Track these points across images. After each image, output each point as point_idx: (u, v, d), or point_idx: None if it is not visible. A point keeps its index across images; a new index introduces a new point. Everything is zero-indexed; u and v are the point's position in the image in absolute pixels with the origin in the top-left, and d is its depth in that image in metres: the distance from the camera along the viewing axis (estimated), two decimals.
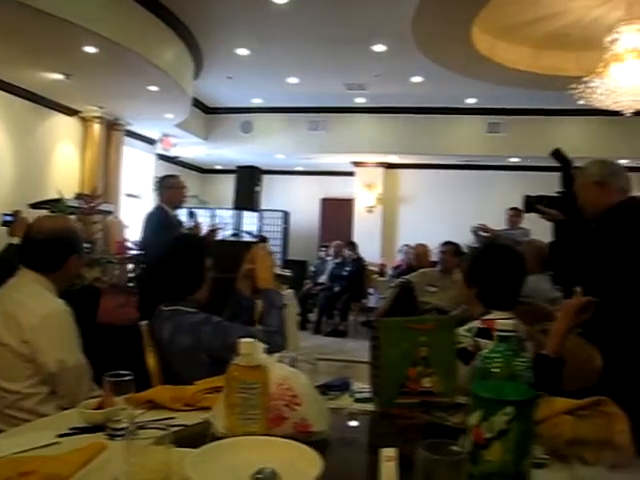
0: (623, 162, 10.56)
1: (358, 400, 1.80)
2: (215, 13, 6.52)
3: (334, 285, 9.22)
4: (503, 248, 2.24)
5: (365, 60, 7.89)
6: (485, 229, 6.16)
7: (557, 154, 2.69)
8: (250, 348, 1.22)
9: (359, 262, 9.33)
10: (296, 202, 12.84)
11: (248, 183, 7.77)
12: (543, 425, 1.39)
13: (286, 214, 12.77)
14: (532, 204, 2.73)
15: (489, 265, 2.17)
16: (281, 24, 6.72)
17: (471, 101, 9.77)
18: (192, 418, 1.53)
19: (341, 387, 1.92)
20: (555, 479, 1.27)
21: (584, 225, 2.51)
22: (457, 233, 9.40)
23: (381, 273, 9.80)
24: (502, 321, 1.08)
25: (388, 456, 1.12)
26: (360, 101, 10.08)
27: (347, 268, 9.24)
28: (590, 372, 2.00)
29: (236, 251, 2.36)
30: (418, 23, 6.24)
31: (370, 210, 11.52)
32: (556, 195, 2.71)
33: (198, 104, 10.16)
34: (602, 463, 1.33)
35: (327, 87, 9.26)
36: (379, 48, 7.39)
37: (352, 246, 9.60)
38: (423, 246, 7.10)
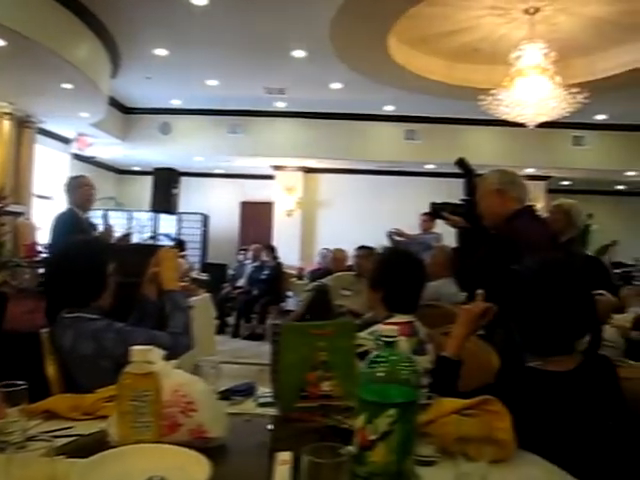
0: (529, 171, 11.16)
1: (261, 404, 1.81)
2: (132, 11, 6.37)
3: (252, 288, 9.19)
4: (405, 254, 2.31)
5: (285, 65, 7.93)
6: (399, 234, 6.33)
7: (461, 163, 2.80)
8: (142, 355, 1.21)
9: (277, 265, 9.34)
10: (216, 205, 12.73)
11: (166, 185, 7.63)
12: (433, 425, 1.45)
13: (205, 217, 12.62)
14: (437, 211, 2.83)
15: (392, 270, 2.22)
16: (200, 26, 6.65)
17: (389, 108, 10.00)
18: (90, 427, 1.50)
19: (245, 392, 1.93)
20: (443, 476, 1.33)
21: (484, 232, 2.63)
22: (375, 237, 9.63)
23: (299, 276, 9.84)
24: (386, 327, 1.12)
25: (283, 460, 1.14)
26: (280, 105, 10.11)
27: (265, 272, 9.23)
28: (487, 372, 2.09)
29: (144, 255, 2.30)
30: (336, 31, 6.34)
31: (290, 214, 11.57)
32: (460, 202, 2.82)
33: (115, 104, 9.88)
34: (485, 458, 1.40)
35: (247, 90, 9.24)
36: (299, 54, 7.44)
37: (271, 250, 9.60)
38: (341, 251, 7.20)
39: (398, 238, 6.55)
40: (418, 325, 2.23)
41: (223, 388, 1.86)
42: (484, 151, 10.39)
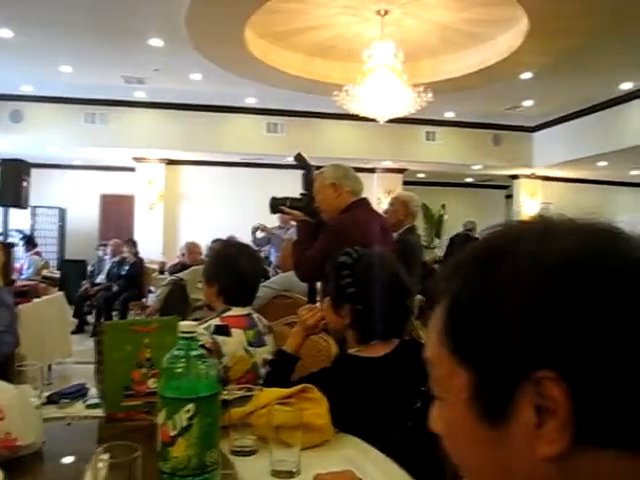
0: (386, 164, 11.67)
1: (89, 406, 1.78)
2: None
3: (112, 285, 8.86)
4: (239, 247, 2.33)
5: (143, 54, 7.67)
6: (262, 228, 6.39)
7: (299, 158, 2.89)
8: None
9: (138, 261, 9.07)
10: (74, 198, 12.09)
11: (14, 178, 7.13)
12: (255, 414, 1.51)
13: (63, 211, 11.96)
14: (277, 205, 2.90)
15: (225, 263, 2.24)
16: (48, 5, 6.20)
17: (251, 101, 10.02)
18: None
19: (75, 394, 1.88)
20: (262, 465, 1.39)
21: (321, 225, 2.74)
22: (239, 230, 9.64)
23: (161, 271, 9.62)
24: (184, 322, 1.15)
25: (99, 460, 1.14)
26: (140, 95, 9.79)
27: (126, 267, 8.93)
28: (326, 359, 2.19)
29: None
30: (191, 21, 6.24)
31: (152, 207, 11.26)
32: (299, 197, 2.91)
33: None
34: (304, 444, 1.48)
35: (104, 79, 8.84)
36: (156, 43, 7.24)
37: (131, 244, 9.29)
38: (195, 244, 7.15)
39: (261, 233, 6.62)
40: (256, 317, 2.28)
41: (52, 391, 1.82)
42: (344, 145, 10.73)
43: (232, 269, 2.20)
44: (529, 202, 12.57)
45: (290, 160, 10.28)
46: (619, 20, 6.08)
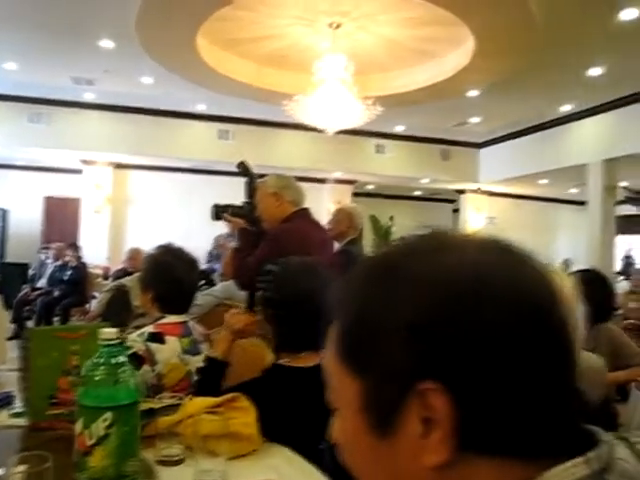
0: (336, 175, 11.76)
1: (13, 415, 1.74)
2: None
3: (54, 289, 8.62)
4: (174, 253, 2.31)
5: (92, 55, 7.52)
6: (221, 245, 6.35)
7: (241, 166, 2.89)
8: None
9: (82, 265, 8.86)
10: (16, 199, 11.72)
11: None
12: (183, 423, 1.51)
13: (4, 212, 11.59)
14: (219, 212, 2.90)
15: (160, 270, 2.22)
16: None
17: (202, 107, 9.96)
18: None
19: (0, 402, 1.84)
20: (186, 474, 1.38)
21: (262, 234, 2.76)
22: (188, 236, 9.54)
23: (106, 277, 9.43)
24: (106, 330, 1.14)
25: (17, 472, 1.11)
26: (89, 96, 9.60)
27: (68, 272, 8.71)
28: (259, 368, 2.19)
29: None
30: (142, 25, 6.17)
31: (98, 211, 11.03)
32: (241, 205, 2.92)
33: None
34: (231, 454, 1.48)
35: (52, 78, 8.63)
36: (106, 44, 7.12)
37: (75, 248, 9.07)
38: (138, 251, 7.02)
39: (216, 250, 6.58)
40: (192, 325, 2.27)
41: None
42: (296, 154, 10.77)
43: (168, 276, 2.18)
44: (475, 216, 12.87)
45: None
46: (556, 45, 6.35)
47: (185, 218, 11.02)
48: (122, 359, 1.11)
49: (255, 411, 1.55)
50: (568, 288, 2.14)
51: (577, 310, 2.14)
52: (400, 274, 0.51)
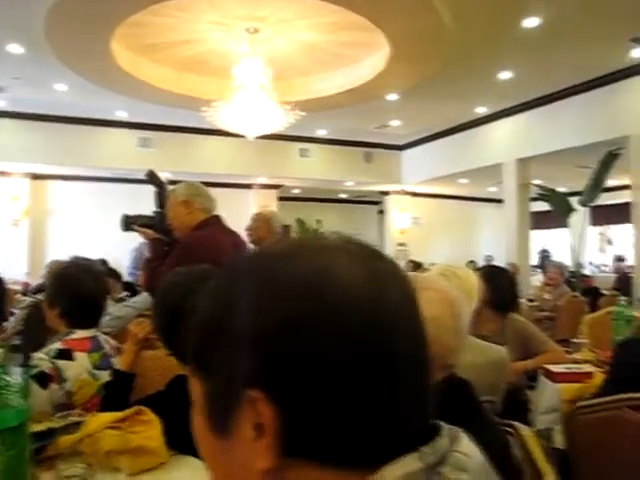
0: (261, 180, 11.75)
1: None
2: None
3: None
4: (80, 267, 2.27)
5: (1, 61, 7.22)
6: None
7: (150, 175, 2.86)
8: None
9: None
10: None
11: None
12: (85, 441, 1.48)
13: None
14: (129, 223, 2.86)
15: (66, 285, 2.17)
16: None
17: (121, 114, 9.73)
18: None
19: None
20: None
21: (174, 243, 2.74)
22: (110, 246, 9.30)
23: (25, 292, 9.04)
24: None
25: None
26: (0, 104, 9.20)
27: None
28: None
29: None
30: (51, 30, 5.97)
31: (15, 224, 10.57)
32: (152, 215, 2.88)
33: None
34: (137, 468, 1.47)
35: None
36: (15, 49, 6.83)
37: None
38: (58, 263, 6.77)
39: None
40: (103, 339, 2.23)
41: None
42: (219, 161, 10.69)
43: (73, 290, 2.13)
44: (400, 217, 13.15)
45: (163, 176, 10.00)
46: (468, 50, 6.59)
47: (108, 228, 10.71)
48: (5, 381, 1.09)
49: (160, 424, 1.54)
50: (472, 284, 2.24)
51: (475, 304, 2.25)
52: (243, 281, 0.53)
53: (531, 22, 5.94)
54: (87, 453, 1.44)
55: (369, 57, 7.20)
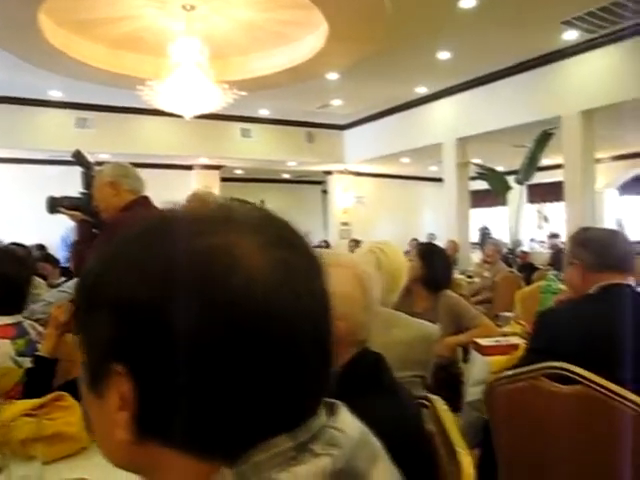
0: (203, 161, 11.60)
1: None
2: None
3: None
4: (5, 252, 2.20)
5: None
6: None
7: (77, 156, 2.79)
8: None
9: None
10: None
11: None
12: (1, 431, 1.45)
13: None
14: (55, 205, 2.78)
15: None
16: None
17: (56, 94, 9.37)
18: None
19: None
20: None
21: (101, 224, 2.68)
22: (49, 232, 9.02)
23: None
24: None
25: None
26: None
27: None
28: None
29: None
30: None
31: None
32: (78, 196, 2.81)
33: None
34: (55, 455, 1.44)
35: None
36: None
37: None
38: None
39: None
40: (28, 324, 2.17)
41: None
42: (159, 141, 10.48)
43: None
44: (343, 196, 13.22)
45: (102, 157, 9.78)
46: (406, 30, 6.63)
47: (44, 212, 10.36)
48: None
49: (79, 409, 1.52)
50: (399, 262, 2.28)
51: (404, 281, 2.29)
52: (120, 252, 0.52)
53: (467, 2, 6.00)
54: (3, 442, 1.41)
55: (308, 36, 7.14)
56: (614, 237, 2.08)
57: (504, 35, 6.95)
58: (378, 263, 2.15)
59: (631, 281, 2.08)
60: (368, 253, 2.18)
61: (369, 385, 1.07)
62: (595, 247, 2.01)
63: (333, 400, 0.56)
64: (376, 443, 0.56)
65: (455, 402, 2.76)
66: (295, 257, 0.51)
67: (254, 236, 0.50)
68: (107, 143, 10.01)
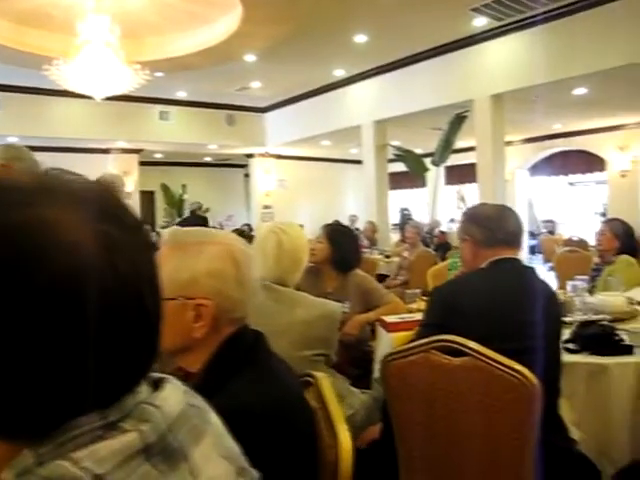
0: (121, 144, 11.25)
1: None
2: None
3: None
4: None
5: None
6: None
7: None
8: None
9: None
10: None
11: None
12: None
13: None
14: None
15: None
16: None
17: None
18: None
19: None
20: None
21: None
22: None
23: None
24: None
25: None
26: None
27: None
28: None
29: None
30: None
31: None
32: None
33: None
34: None
35: None
36: None
37: None
38: None
39: None
40: None
41: None
42: (74, 124, 10.07)
43: None
44: (265, 179, 13.18)
45: (11, 140, 9.29)
46: (322, 12, 6.65)
47: None
48: None
49: None
50: (301, 242, 2.31)
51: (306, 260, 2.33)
52: None
53: None
54: None
55: (223, 17, 7.04)
56: (503, 213, 2.17)
57: (418, 20, 7.08)
58: (279, 243, 2.17)
59: (520, 256, 2.20)
60: (269, 233, 2.20)
61: (245, 363, 1.09)
62: (484, 223, 2.10)
63: (162, 375, 0.55)
64: (205, 419, 0.55)
65: (366, 379, 2.84)
66: (119, 231, 0.49)
67: (76, 208, 0.48)
68: (16, 125, 9.55)
